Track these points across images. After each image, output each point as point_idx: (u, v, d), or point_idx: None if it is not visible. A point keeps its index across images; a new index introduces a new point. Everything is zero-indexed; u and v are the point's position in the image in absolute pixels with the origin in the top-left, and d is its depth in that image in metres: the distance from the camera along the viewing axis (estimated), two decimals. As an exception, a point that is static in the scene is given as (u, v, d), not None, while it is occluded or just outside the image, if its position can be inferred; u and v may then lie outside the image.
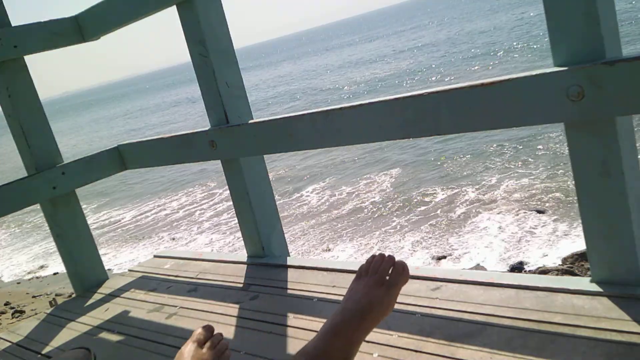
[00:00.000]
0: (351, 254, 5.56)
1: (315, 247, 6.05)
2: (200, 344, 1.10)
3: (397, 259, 1.03)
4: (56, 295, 5.41)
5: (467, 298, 1.30)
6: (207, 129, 1.81)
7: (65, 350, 1.57)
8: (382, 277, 1.00)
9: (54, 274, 6.80)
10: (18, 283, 6.75)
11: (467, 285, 1.36)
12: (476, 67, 16.07)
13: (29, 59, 2.46)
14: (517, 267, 4.35)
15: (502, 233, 5.17)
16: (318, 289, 1.58)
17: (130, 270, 2.25)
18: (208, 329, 1.14)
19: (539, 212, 5.29)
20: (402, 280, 1.01)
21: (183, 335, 1.51)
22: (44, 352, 1.68)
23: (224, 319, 1.55)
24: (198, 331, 1.13)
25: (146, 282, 2.05)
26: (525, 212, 5.45)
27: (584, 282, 1.21)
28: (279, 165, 10.26)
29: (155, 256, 2.34)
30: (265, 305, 1.57)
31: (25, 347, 1.75)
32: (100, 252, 2.23)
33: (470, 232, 5.38)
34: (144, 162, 2.18)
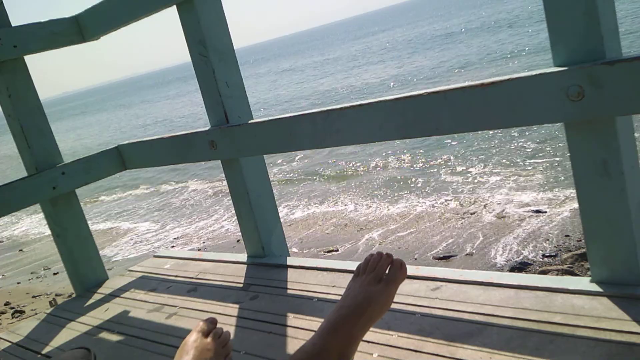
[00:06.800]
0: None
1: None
2: (205, 334, 1.10)
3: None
4: (56, 295, 5.41)
5: (466, 298, 1.30)
6: (207, 129, 1.81)
7: (65, 350, 1.57)
8: (379, 274, 1.01)
9: (54, 274, 6.80)
10: (18, 283, 6.75)
11: (466, 285, 1.36)
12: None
13: (29, 59, 2.46)
14: (517, 267, 4.35)
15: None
16: (318, 289, 1.58)
17: (130, 270, 2.25)
18: (211, 321, 1.14)
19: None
20: (400, 277, 1.02)
21: (183, 335, 1.51)
22: (44, 352, 1.68)
23: (224, 319, 1.55)
24: (201, 323, 1.13)
25: (146, 282, 2.06)
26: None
27: (584, 282, 1.21)
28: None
29: (155, 256, 2.34)
30: (265, 305, 1.57)
31: (25, 347, 1.75)
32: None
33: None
34: (144, 162, 2.18)
